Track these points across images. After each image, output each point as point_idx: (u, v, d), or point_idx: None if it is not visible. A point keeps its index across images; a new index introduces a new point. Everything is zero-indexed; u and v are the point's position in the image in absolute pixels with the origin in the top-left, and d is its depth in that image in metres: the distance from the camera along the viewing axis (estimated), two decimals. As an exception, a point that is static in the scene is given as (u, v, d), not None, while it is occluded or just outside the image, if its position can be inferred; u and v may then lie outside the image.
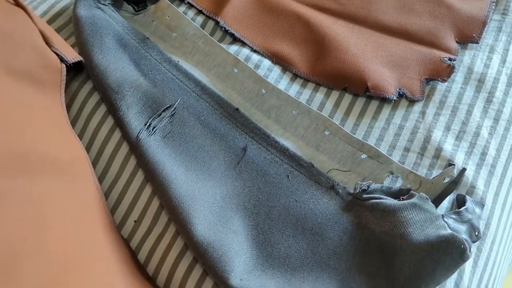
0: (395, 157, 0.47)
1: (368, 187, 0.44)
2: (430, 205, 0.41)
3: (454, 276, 0.42)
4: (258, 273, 0.41)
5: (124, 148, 0.47)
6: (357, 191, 0.44)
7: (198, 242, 0.41)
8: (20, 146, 0.41)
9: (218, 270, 0.40)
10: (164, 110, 0.48)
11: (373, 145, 0.46)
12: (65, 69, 0.47)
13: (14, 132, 0.42)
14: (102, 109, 0.48)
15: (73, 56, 0.48)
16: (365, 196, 0.44)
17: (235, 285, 0.39)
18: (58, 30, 0.53)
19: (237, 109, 0.49)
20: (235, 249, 0.41)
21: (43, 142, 0.43)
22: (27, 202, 0.38)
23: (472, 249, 0.38)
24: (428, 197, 0.41)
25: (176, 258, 0.43)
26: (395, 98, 0.49)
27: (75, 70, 0.50)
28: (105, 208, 0.44)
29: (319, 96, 0.51)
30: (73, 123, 0.48)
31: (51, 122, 0.45)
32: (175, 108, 0.48)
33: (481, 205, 0.44)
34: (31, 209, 0.38)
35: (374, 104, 0.50)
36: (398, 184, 0.46)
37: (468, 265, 0.42)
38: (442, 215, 0.40)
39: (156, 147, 0.45)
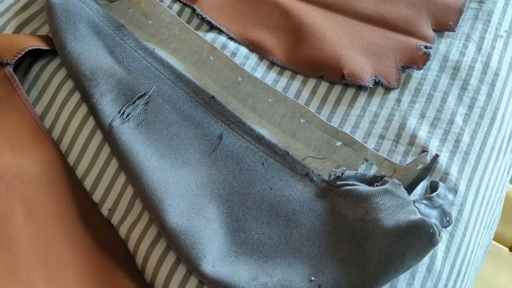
0: (370, 145, 0.47)
1: (342, 174, 0.44)
2: (402, 191, 0.41)
3: (426, 261, 0.42)
4: (231, 259, 0.41)
5: (98, 136, 0.46)
6: (331, 178, 0.44)
7: (170, 229, 0.41)
8: None
9: (190, 257, 0.40)
10: (138, 98, 0.47)
11: (347, 132, 0.46)
12: (10, 71, 0.46)
13: None
14: (76, 97, 0.48)
15: (12, 54, 0.47)
16: (339, 183, 0.44)
17: (207, 271, 0.39)
18: (31, 19, 0.52)
19: (213, 97, 0.49)
20: (208, 236, 0.41)
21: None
22: None
23: (441, 234, 0.38)
24: (400, 183, 0.41)
25: (149, 246, 0.43)
26: (371, 85, 0.49)
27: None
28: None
29: (296, 84, 0.51)
30: (45, 112, 0.48)
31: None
32: (149, 95, 0.48)
33: (454, 191, 0.45)
34: None
35: (350, 92, 0.50)
36: (373, 171, 0.46)
37: (440, 250, 0.43)
38: (414, 200, 0.40)
39: (129, 135, 0.45)
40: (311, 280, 0.39)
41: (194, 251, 0.40)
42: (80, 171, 0.46)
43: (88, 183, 0.46)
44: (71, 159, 0.46)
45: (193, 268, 0.40)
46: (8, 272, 0.39)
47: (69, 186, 0.45)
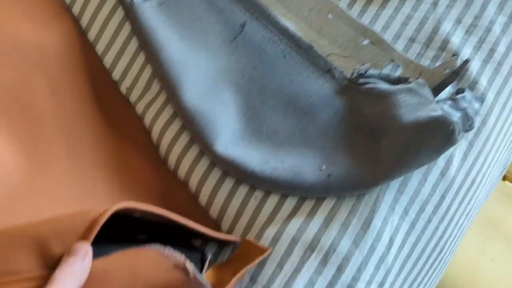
0: (399, 47, 0.45)
1: (366, 72, 0.43)
2: (426, 91, 0.40)
3: (441, 164, 0.41)
4: (244, 144, 0.41)
5: (119, 14, 0.46)
6: (354, 76, 0.43)
7: (186, 109, 0.41)
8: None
9: (204, 137, 0.40)
10: (163, -23, 0.46)
11: (376, 31, 0.44)
12: None
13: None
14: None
15: None
16: (361, 80, 0.42)
17: (220, 151, 0.40)
18: None
19: (239, -17, 0.46)
20: (223, 119, 0.41)
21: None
22: None
23: (461, 134, 0.37)
24: (425, 83, 0.40)
25: (164, 125, 0.43)
26: (407, -15, 0.46)
27: None
28: None
29: (327, -22, 0.48)
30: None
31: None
32: (174, -24, 0.46)
33: (481, 100, 0.43)
34: None
35: (384, -9, 0.47)
36: (398, 73, 0.44)
37: (457, 156, 0.42)
38: (437, 100, 0.39)
39: (151, 13, 0.44)
40: (321, 169, 0.39)
41: (208, 131, 0.40)
42: (100, 48, 0.46)
43: (108, 61, 0.45)
44: (91, 36, 0.46)
45: (206, 148, 0.40)
46: (32, 141, 0.40)
47: (89, 63, 0.45)
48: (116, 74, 0.45)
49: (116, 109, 0.45)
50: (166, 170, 0.43)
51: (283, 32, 0.45)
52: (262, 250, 0.36)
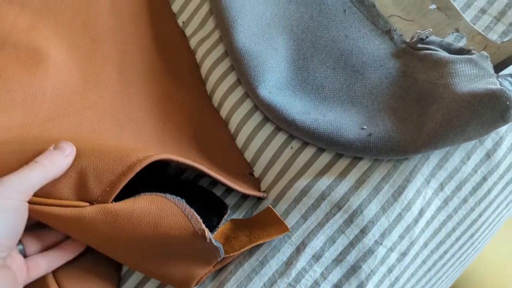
0: (468, 17, 0.43)
1: (427, 37, 0.41)
2: (488, 64, 0.37)
3: (489, 145, 0.39)
4: (288, 92, 0.41)
5: None
6: (414, 40, 0.41)
7: (237, 48, 0.41)
8: None
9: (250, 78, 0.40)
10: None
11: (446, -4, 0.42)
12: None
13: None
14: None
15: None
16: (420, 45, 0.41)
17: (263, 95, 0.40)
18: None
19: None
20: (272, 64, 0.41)
21: None
22: None
23: (517, 113, 0.35)
24: (488, 56, 0.38)
25: (213, 62, 0.43)
26: (489, -48, 0.43)
27: None
28: None
29: None
30: None
31: None
32: None
33: (546, 85, 0.40)
34: None
35: (462, -44, 0.44)
36: (461, 44, 0.42)
37: (507, 140, 0.40)
38: (498, 75, 0.37)
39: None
40: (362, 128, 0.38)
41: (255, 73, 0.40)
42: None
43: None
44: None
45: (250, 90, 0.40)
46: (88, 58, 0.42)
47: None
48: (175, 7, 0.46)
49: (170, 40, 0.45)
50: (209, 107, 0.43)
51: (347, -15, 0.44)
52: (281, 226, 0.36)
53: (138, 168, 0.30)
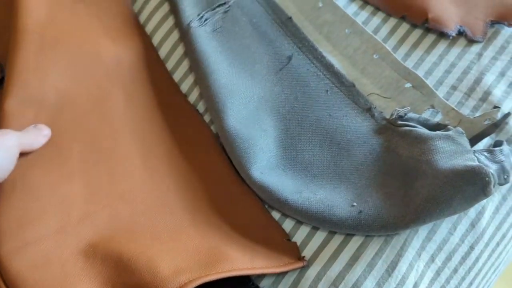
0: (440, 93, 0.46)
1: (405, 114, 0.43)
2: (464, 140, 0.40)
3: (472, 215, 0.41)
4: (279, 172, 0.42)
5: (175, 35, 0.48)
6: (393, 117, 0.44)
7: (228, 131, 0.43)
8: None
9: (242, 160, 0.42)
10: (218, 6, 0.48)
11: (420, 75, 0.45)
12: None
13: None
14: (160, -5, 0.49)
15: None
16: (400, 122, 0.43)
17: (255, 176, 0.41)
18: None
19: (290, 18, 0.49)
20: (261, 145, 0.43)
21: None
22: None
23: (496, 187, 0.37)
24: (463, 132, 0.40)
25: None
26: (454, 34, 0.47)
27: None
28: None
29: (376, 20, 0.49)
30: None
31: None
32: (229, 5, 0.48)
33: (519, 155, 0.43)
34: None
35: (430, 38, 0.48)
36: (437, 119, 0.45)
37: (489, 209, 0.42)
38: (474, 150, 0.39)
39: (204, 38, 0.46)
40: (352, 205, 0.40)
41: (246, 155, 0.42)
42: (170, 65, 0.49)
43: (177, 76, 0.49)
44: (162, 54, 0.49)
45: (243, 171, 0.42)
46: (111, 148, 0.43)
47: (160, 76, 0.48)
48: (184, 87, 0.48)
49: (183, 118, 0.47)
50: (231, 176, 0.44)
51: (328, 68, 0.47)
52: None
53: None
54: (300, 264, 0.39)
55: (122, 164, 0.43)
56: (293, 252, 0.40)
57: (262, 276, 0.40)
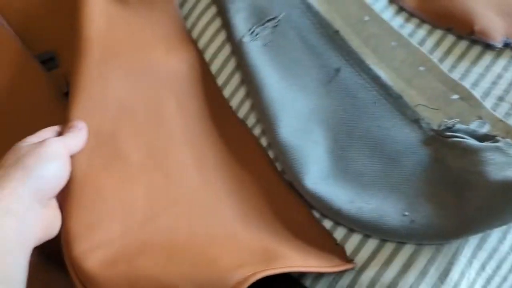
0: (487, 104, 0.47)
1: (453, 125, 0.44)
2: (513, 151, 0.41)
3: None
4: (330, 182, 0.44)
5: (226, 50, 0.50)
6: (441, 128, 0.45)
7: (280, 143, 0.44)
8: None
9: (294, 170, 0.43)
10: (268, 20, 0.50)
11: (467, 87, 0.46)
12: None
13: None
14: (212, 10, 0.51)
15: None
16: (448, 133, 0.44)
17: (308, 186, 0.43)
18: None
19: (337, 31, 0.50)
20: (313, 156, 0.44)
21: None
22: None
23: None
24: (513, 143, 0.41)
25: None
26: (500, 46, 0.48)
27: None
28: None
29: (421, 32, 0.51)
30: (185, 17, 0.52)
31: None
32: (279, 20, 0.50)
33: None
34: None
35: (476, 49, 0.49)
36: (485, 130, 0.46)
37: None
38: (525, 162, 0.40)
39: (256, 52, 0.48)
40: (404, 215, 0.41)
41: (299, 166, 0.43)
42: (220, 80, 0.51)
43: (227, 92, 0.50)
44: (213, 69, 0.51)
45: (296, 181, 0.43)
46: (167, 155, 0.46)
47: (211, 89, 0.50)
48: (235, 101, 0.50)
49: (234, 130, 0.49)
50: (280, 183, 0.46)
51: (375, 79, 0.48)
52: None
53: None
54: (350, 266, 0.41)
55: (177, 170, 0.45)
56: (342, 255, 0.42)
57: (316, 282, 0.42)
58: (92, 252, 0.38)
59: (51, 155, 0.37)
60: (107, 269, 0.37)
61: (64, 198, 0.40)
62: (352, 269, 0.41)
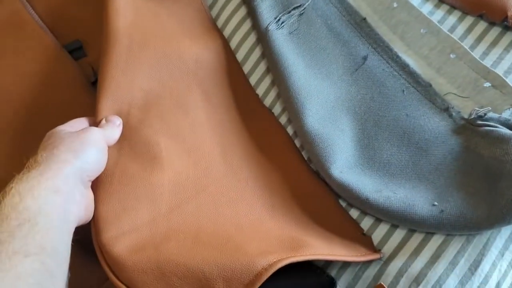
0: (521, 92, 0.45)
1: (485, 114, 0.43)
2: (549, 140, 0.39)
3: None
4: (357, 171, 0.44)
5: (252, 38, 0.50)
6: (473, 117, 0.44)
7: (307, 131, 0.44)
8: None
9: (321, 159, 0.43)
10: (294, 8, 0.50)
11: (500, 74, 0.45)
12: None
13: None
14: (237, -1, 0.51)
15: None
16: (479, 122, 0.43)
17: (335, 175, 0.42)
18: None
19: (364, 19, 0.49)
20: (340, 145, 0.44)
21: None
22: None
23: None
24: (549, 132, 0.40)
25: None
26: (535, 32, 0.47)
27: None
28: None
29: (452, 19, 0.49)
30: (211, 6, 0.52)
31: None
32: (304, 8, 0.50)
33: None
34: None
35: (509, 36, 0.48)
36: (518, 118, 0.44)
37: None
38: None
39: (282, 40, 0.48)
40: (433, 205, 0.40)
41: (326, 154, 0.43)
42: (246, 68, 0.51)
43: (253, 80, 0.50)
44: (239, 57, 0.51)
45: (323, 170, 0.43)
46: (193, 143, 0.46)
47: (237, 77, 0.50)
48: (261, 89, 0.50)
49: (261, 119, 0.49)
50: (306, 171, 0.46)
51: (403, 67, 0.47)
52: None
53: (264, 277, 0.33)
54: (377, 256, 0.40)
55: (204, 158, 0.45)
56: (369, 245, 0.42)
57: (342, 271, 0.42)
58: (120, 238, 0.39)
59: (94, 141, 0.39)
60: (134, 254, 0.37)
61: (95, 184, 0.41)
62: (379, 259, 0.40)
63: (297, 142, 0.46)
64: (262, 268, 0.33)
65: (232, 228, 0.41)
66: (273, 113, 0.48)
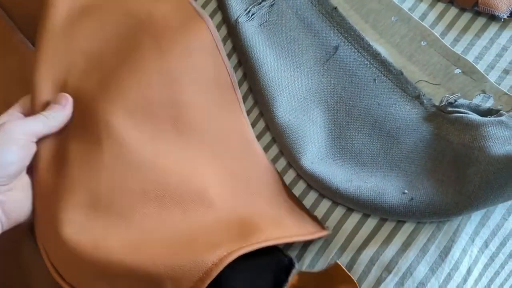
0: (492, 78, 0.45)
1: (455, 101, 0.43)
2: (518, 125, 0.40)
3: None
4: (329, 161, 0.44)
5: (223, 31, 0.50)
6: (443, 104, 0.44)
7: (278, 123, 0.44)
8: None
9: (292, 150, 0.43)
10: (264, 0, 0.49)
11: (470, 61, 0.45)
12: None
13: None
14: (207, -9, 0.51)
15: None
16: (450, 109, 0.43)
17: (306, 166, 0.42)
18: None
19: (335, 8, 0.49)
20: (311, 136, 0.44)
21: None
22: None
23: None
24: (517, 118, 0.40)
25: (256, 136, 0.46)
26: (505, 16, 0.46)
27: None
28: None
29: (423, 6, 0.49)
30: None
31: None
32: (275, -1, 0.49)
33: None
34: None
35: (480, 21, 0.47)
36: (489, 104, 0.44)
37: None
38: (529, 136, 0.39)
39: (252, 32, 0.48)
40: (404, 193, 0.40)
41: (297, 146, 0.43)
42: None
43: None
44: None
45: (294, 161, 0.43)
46: (140, 103, 0.42)
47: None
48: None
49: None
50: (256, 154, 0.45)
51: (375, 56, 0.47)
52: (351, 284, 0.38)
53: (214, 274, 0.33)
54: (325, 233, 0.41)
55: (152, 122, 0.43)
56: (316, 223, 0.42)
57: (304, 252, 0.42)
58: (62, 234, 0.36)
59: (6, 141, 0.36)
60: (74, 250, 0.35)
61: (33, 176, 0.39)
62: (324, 235, 0.41)
63: (269, 135, 0.46)
64: (212, 264, 0.33)
65: (178, 213, 0.39)
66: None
